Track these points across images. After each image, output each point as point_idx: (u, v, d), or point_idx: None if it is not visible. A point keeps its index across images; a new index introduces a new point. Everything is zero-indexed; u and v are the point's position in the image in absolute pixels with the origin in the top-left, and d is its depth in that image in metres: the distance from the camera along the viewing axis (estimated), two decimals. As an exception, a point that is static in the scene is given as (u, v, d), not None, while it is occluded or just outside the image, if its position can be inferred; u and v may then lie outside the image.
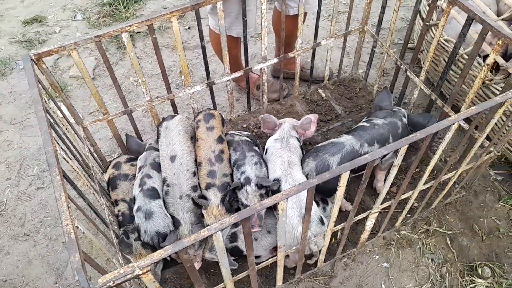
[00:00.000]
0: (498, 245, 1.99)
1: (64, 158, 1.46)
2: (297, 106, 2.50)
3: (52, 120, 1.51)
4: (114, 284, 1.05)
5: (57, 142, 1.45)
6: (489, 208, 2.12)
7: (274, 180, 1.74)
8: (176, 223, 1.72)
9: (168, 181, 1.79)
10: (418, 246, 2.00)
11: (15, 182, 2.36)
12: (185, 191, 1.76)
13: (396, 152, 1.35)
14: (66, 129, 1.74)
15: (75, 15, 3.31)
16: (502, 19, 2.13)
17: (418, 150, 1.49)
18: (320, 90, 2.57)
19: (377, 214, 1.72)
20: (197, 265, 1.72)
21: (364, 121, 1.99)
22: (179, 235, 1.69)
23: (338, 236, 1.99)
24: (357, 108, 2.47)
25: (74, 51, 1.69)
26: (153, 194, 1.77)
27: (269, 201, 1.18)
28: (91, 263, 1.20)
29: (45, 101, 1.51)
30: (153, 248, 1.72)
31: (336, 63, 2.68)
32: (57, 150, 1.36)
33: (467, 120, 2.03)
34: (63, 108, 2.10)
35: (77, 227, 1.23)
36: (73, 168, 1.54)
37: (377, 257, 1.98)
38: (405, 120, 1.96)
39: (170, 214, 1.74)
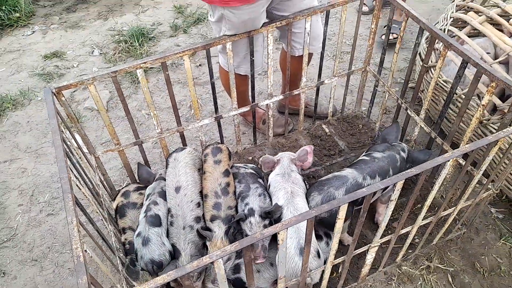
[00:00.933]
0: (500, 284, 1.99)
1: (77, 185, 1.54)
2: (302, 141, 2.58)
3: (67, 149, 1.61)
4: (118, 307, 1.10)
5: (71, 169, 1.54)
6: (491, 245, 2.13)
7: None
8: (176, 253, 1.77)
9: (172, 211, 1.84)
10: (419, 283, 2.00)
11: (26, 208, 2.44)
12: (188, 222, 1.81)
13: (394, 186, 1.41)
14: (80, 158, 1.83)
15: (93, 51, 3.49)
16: (498, 62, 2.23)
17: (413, 193, 1.54)
18: (324, 126, 2.66)
19: (377, 248, 1.75)
20: None
21: (364, 155, 2.06)
22: (178, 266, 1.73)
23: (339, 270, 2.01)
24: (360, 144, 2.54)
25: (92, 85, 1.80)
26: (154, 221, 1.82)
27: (269, 230, 1.24)
28: (97, 287, 1.24)
29: (62, 131, 1.61)
30: (156, 275, 1.75)
31: (340, 100, 2.78)
32: (71, 178, 1.44)
33: (466, 157, 2.09)
34: (77, 137, 2.20)
35: (85, 251, 1.29)
36: (85, 195, 1.62)
37: (378, 292, 1.98)
38: (404, 154, 2.02)
39: (172, 244, 1.79)
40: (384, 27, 3.44)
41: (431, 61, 2.31)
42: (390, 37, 3.24)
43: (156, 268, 1.72)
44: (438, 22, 2.58)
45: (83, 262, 1.18)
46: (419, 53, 2.49)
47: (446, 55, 1.89)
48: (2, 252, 2.25)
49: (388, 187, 1.95)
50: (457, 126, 1.93)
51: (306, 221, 1.30)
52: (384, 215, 1.56)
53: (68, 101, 3.07)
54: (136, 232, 1.82)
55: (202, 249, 1.81)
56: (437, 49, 2.37)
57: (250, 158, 2.52)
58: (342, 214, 1.34)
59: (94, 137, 2.82)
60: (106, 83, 3.18)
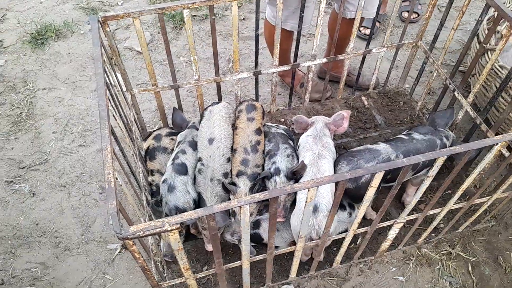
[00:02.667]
0: (521, 281, 1.94)
1: (113, 115, 1.55)
2: (337, 109, 2.51)
3: (108, 80, 1.61)
4: (143, 234, 1.11)
5: (108, 100, 1.54)
6: (518, 243, 2.07)
7: None
8: (202, 203, 1.78)
9: (203, 161, 1.84)
10: (437, 267, 1.97)
11: (60, 136, 2.50)
12: (217, 176, 1.81)
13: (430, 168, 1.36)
14: (118, 91, 1.83)
15: (139, -9, 3.46)
16: None
17: (452, 173, 1.48)
18: (363, 98, 2.58)
19: (401, 224, 1.71)
20: (210, 248, 1.77)
21: (403, 134, 1.99)
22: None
23: (358, 241, 2.00)
24: (398, 121, 2.46)
25: (137, 19, 1.78)
26: (181, 169, 1.83)
27: (300, 185, 1.22)
28: (123, 214, 1.27)
29: (104, 60, 1.60)
30: None
31: (383, 74, 2.67)
32: (108, 106, 1.44)
33: (509, 148, 1.99)
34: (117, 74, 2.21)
35: (116, 178, 1.31)
36: (119, 127, 1.63)
37: (394, 269, 1.97)
38: (446, 142, 1.93)
39: (198, 192, 1.80)
40: (404, 1, 3.26)
41: (490, 44, 2.17)
42: (362, 30, 3.09)
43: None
44: (505, 3, 2.40)
45: (114, 188, 1.19)
46: (477, 34, 2.34)
47: (509, 38, 1.76)
48: (34, 174, 2.33)
49: (422, 169, 1.89)
50: (507, 114, 1.82)
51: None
52: (413, 195, 1.51)
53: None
54: (163, 178, 1.84)
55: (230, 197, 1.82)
56: (498, 32, 2.22)
57: (283, 120, 2.48)
58: (376, 182, 1.31)
59: (131, 78, 2.82)
60: (147, 25, 3.16)
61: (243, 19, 3.23)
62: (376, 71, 2.47)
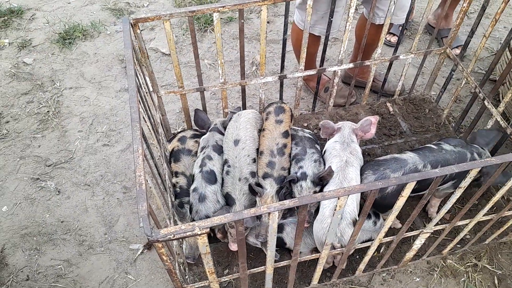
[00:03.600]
0: (550, 297, 1.89)
1: (143, 118, 1.56)
2: (362, 115, 2.49)
3: (138, 82, 1.62)
4: (174, 237, 1.12)
5: (139, 102, 1.56)
6: (547, 257, 2.01)
7: None
8: (231, 201, 1.79)
9: (229, 162, 1.86)
10: (462, 279, 1.93)
11: (85, 135, 2.54)
12: (244, 174, 1.81)
13: (455, 184, 1.33)
14: (146, 92, 1.85)
15: (165, -7, 3.49)
16: None
17: (485, 185, 1.45)
18: (388, 104, 2.55)
19: (428, 234, 1.68)
20: (235, 247, 1.77)
21: (432, 144, 1.95)
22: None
23: (381, 250, 1.97)
24: (423, 129, 2.42)
25: (168, 21, 1.80)
26: (211, 178, 1.85)
27: (331, 193, 1.21)
28: (153, 217, 1.28)
29: (135, 62, 1.62)
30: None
31: (409, 80, 2.64)
32: (139, 109, 1.46)
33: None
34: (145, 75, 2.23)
35: (146, 180, 1.32)
36: (148, 129, 1.65)
37: (418, 279, 1.93)
38: (477, 158, 1.87)
39: (227, 193, 1.81)
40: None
41: (522, 52, 2.12)
42: (388, 37, 3.00)
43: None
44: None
45: (145, 190, 1.20)
46: (510, 43, 2.29)
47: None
48: (59, 172, 2.37)
49: (447, 181, 1.85)
50: (541, 125, 1.78)
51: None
52: (436, 206, 1.49)
53: (134, 39, 3.10)
54: (192, 187, 1.85)
55: (255, 203, 1.82)
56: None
57: (306, 124, 2.47)
58: (407, 192, 1.29)
59: (156, 79, 2.85)
60: (172, 27, 3.18)
61: (268, 22, 3.23)
62: (402, 78, 2.44)
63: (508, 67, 1.94)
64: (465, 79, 2.20)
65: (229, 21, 3.25)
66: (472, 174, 1.31)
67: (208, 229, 1.14)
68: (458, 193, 1.42)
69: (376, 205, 1.81)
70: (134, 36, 1.81)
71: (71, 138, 2.53)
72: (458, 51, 2.66)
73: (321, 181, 1.77)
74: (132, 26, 1.75)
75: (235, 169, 1.82)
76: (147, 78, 1.99)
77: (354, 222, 1.66)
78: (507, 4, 1.87)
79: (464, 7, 2.10)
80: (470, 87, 2.18)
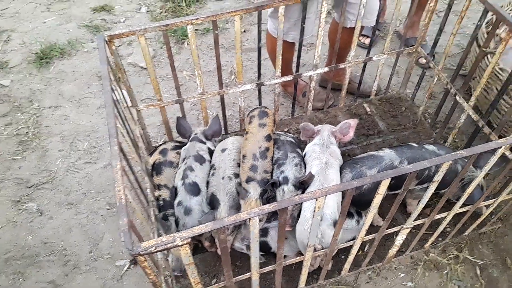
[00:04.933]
0: (531, 283, 1.94)
1: (121, 133, 1.57)
2: (340, 117, 2.53)
3: (115, 97, 1.64)
4: (155, 250, 1.13)
5: (116, 117, 1.57)
6: (526, 244, 2.07)
7: None
8: (216, 203, 1.81)
9: (215, 165, 1.93)
10: (445, 271, 1.98)
11: (66, 154, 2.53)
12: (228, 174, 1.88)
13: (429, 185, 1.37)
14: (124, 108, 1.86)
15: (140, 7, 3.51)
16: None
17: (457, 176, 1.49)
18: (365, 105, 2.60)
19: (408, 230, 1.72)
20: None
21: (415, 143, 1.98)
22: (216, 216, 1.77)
23: (365, 248, 2.01)
24: (400, 127, 2.48)
25: (142, 36, 1.81)
26: (194, 189, 1.87)
27: (308, 195, 1.23)
28: (134, 231, 1.28)
29: (111, 78, 1.63)
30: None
31: (384, 80, 2.70)
32: (117, 124, 1.47)
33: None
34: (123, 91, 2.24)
35: (126, 195, 1.33)
36: (127, 143, 1.66)
37: (402, 275, 1.97)
38: (459, 168, 1.85)
39: (212, 193, 1.85)
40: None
41: (489, 47, 2.19)
42: (361, 39, 3.06)
43: (198, 236, 1.76)
44: (502, 6, 2.43)
45: (125, 205, 1.21)
46: (477, 38, 2.37)
47: (509, 41, 1.78)
48: (41, 192, 2.35)
49: (426, 181, 1.88)
50: (510, 117, 1.84)
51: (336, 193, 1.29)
52: (415, 205, 1.53)
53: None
54: (177, 201, 1.87)
55: (239, 205, 1.84)
56: (497, 35, 2.24)
57: (286, 129, 2.50)
58: (382, 189, 1.32)
59: (135, 93, 2.84)
60: (150, 41, 3.20)
61: (244, 31, 3.27)
62: (377, 78, 2.49)
63: (476, 62, 2.01)
64: (437, 76, 2.27)
65: (206, 32, 3.28)
66: (444, 167, 1.36)
67: (190, 240, 1.16)
68: (432, 187, 1.46)
69: (356, 203, 1.85)
70: (110, 52, 1.82)
71: (52, 157, 2.51)
72: (424, 60, 2.73)
73: (302, 185, 1.80)
74: (107, 43, 1.77)
75: (219, 169, 1.89)
76: (125, 93, 2.00)
77: (335, 223, 1.69)
78: (471, 1, 1.94)
79: (431, 6, 2.17)
80: (442, 83, 2.24)
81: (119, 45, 3.19)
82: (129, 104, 2.04)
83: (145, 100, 2.83)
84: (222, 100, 2.27)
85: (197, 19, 1.82)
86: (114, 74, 1.82)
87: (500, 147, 1.35)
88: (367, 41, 3.05)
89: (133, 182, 1.77)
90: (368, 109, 2.57)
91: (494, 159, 1.43)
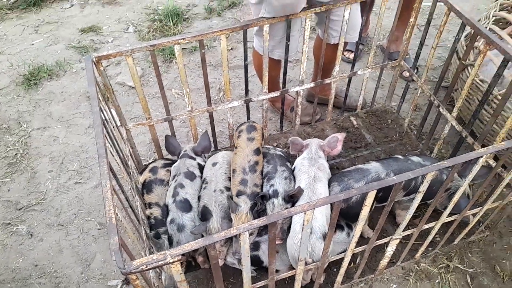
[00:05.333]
0: (520, 289, 1.97)
1: (110, 152, 1.58)
2: (328, 131, 2.57)
3: (103, 117, 1.65)
4: (146, 268, 1.14)
5: (105, 137, 1.58)
6: (514, 251, 2.10)
7: None
8: (207, 214, 1.82)
9: (207, 179, 1.96)
10: (437, 281, 1.99)
11: (56, 175, 2.52)
12: (219, 187, 1.90)
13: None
14: (113, 127, 1.88)
15: (128, 27, 3.55)
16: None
17: (442, 186, 1.53)
18: (352, 118, 2.65)
19: (398, 241, 1.74)
20: (220, 262, 1.79)
21: (401, 155, 2.02)
22: (209, 227, 1.77)
23: (357, 261, 2.02)
24: (387, 139, 2.52)
25: (130, 57, 1.84)
26: (185, 206, 1.87)
27: (296, 209, 1.25)
28: (125, 249, 1.29)
29: (99, 99, 1.65)
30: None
31: (370, 94, 2.75)
32: (106, 144, 1.48)
33: (496, 159, 2.05)
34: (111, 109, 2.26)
35: (116, 214, 1.33)
36: (117, 163, 1.67)
37: (395, 286, 1.98)
38: (444, 177, 1.89)
39: (203, 206, 1.86)
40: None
41: (469, 60, 2.26)
42: (346, 54, 3.12)
43: (193, 252, 1.77)
44: (479, 20, 2.52)
45: (115, 224, 1.22)
46: (457, 51, 2.44)
47: (486, 54, 1.85)
48: (31, 214, 2.34)
49: (410, 193, 1.92)
50: (491, 126, 1.89)
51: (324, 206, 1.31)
52: (404, 216, 1.56)
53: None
54: (169, 219, 1.87)
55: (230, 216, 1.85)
56: (476, 48, 2.32)
57: (275, 144, 2.53)
58: (369, 201, 1.35)
59: (124, 112, 2.86)
60: (138, 60, 3.23)
61: (231, 49, 3.33)
62: (362, 92, 2.55)
63: (457, 74, 2.07)
64: (420, 89, 2.32)
65: (194, 50, 3.32)
66: (429, 178, 1.39)
67: (181, 257, 1.16)
68: (418, 198, 1.49)
69: (345, 216, 1.87)
70: (98, 73, 1.85)
71: (42, 179, 2.50)
72: (408, 73, 2.80)
73: (292, 198, 1.82)
74: (95, 64, 1.79)
75: (211, 183, 1.91)
76: (114, 113, 2.01)
77: (325, 236, 1.71)
78: (449, 16, 2.00)
79: (411, 22, 2.24)
80: (426, 95, 2.29)
81: (108, 65, 3.21)
82: (118, 123, 2.05)
83: (134, 118, 2.85)
84: (211, 117, 2.30)
85: (183, 39, 1.86)
86: (102, 95, 1.84)
87: (481, 157, 1.39)
88: (351, 56, 3.12)
89: (123, 201, 1.78)
90: (355, 123, 2.62)
91: (477, 168, 1.47)
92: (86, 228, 2.27)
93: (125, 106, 2.91)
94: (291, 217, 1.80)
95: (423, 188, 1.43)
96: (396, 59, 2.46)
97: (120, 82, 3.07)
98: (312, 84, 2.36)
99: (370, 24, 3.35)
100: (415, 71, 2.52)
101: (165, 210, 1.94)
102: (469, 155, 1.36)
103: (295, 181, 1.92)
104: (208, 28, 3.51)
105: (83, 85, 3.06)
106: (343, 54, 2.20)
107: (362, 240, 2.06)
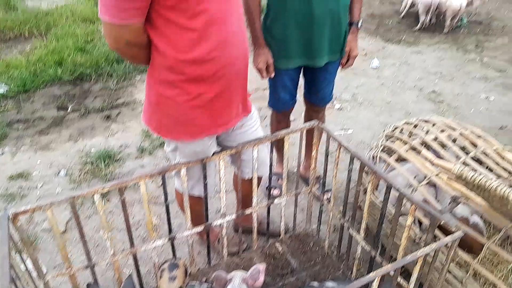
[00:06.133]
0: None
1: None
2: (256, 260, 2.65)
3: (14, 275, 1.64)
4: None
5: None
6: None
7: None
8: None
9: None
10: None
11: None
12: None
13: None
14: (27, 283, 1.84)
15: (59, 172, 3.64)
16: (428, 185, 2.51)
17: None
18: (277, 244, 2.77)
19: None
20: None
21: (316, 281, 2.13)
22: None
23: None
24: (311, 263, 2.64)
25: (49, 210, 1.91)
26: None
27: None
28: None
29: (11, 256, 1.66)
30: None
31: (291, 218, 2.94)
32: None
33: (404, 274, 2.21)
34: (28, 261, 2.22)
35: None
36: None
37: None
38: None
39: None
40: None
41: (363, 185, 2.57)
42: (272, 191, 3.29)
43: None
44: (371, 149, 2.93)
45: None
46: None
47: (374, 182, 2.14)
48: None
49: None
50: (391, 245, 2.10)
51: None
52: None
53: (27, 221, 3.10)
54: None
55: None
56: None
57: (205, 279, 2.54)
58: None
59: (49, 259, 2.80)
60: (65, 205, 3.25)
61: (161, 185, 3.47)
62: (282, 219, 2.73)
63: (356, 200, 2.34)
64: (331, 213, 2.55)
65: (124, 188, 3.43)
66: (330, 305, 1.49)
67: None
68: (327, 326, 1.57)
69: None
70: (15, 228, 1.87)
71: None
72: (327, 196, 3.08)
73: None
74: (12, 221, 1.83)
75: None
76: (30, 266, 1.99)
77: None
78: (340, 151, 2.34)
79: (313, 155, 2.57)
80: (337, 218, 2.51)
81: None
82: (35, 276, 2.01)
83: (60, 264, 2.77)
84: (134, 258, 2.32)
85: (103, 188, 1.99)
86: (17, 249, 1.84)
87: (374, 280, 1.54)
88: (275, 191, 3.33)
89: None
90: (280, 249, 2.74)
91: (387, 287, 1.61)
92: None
93: (50, 253, 2.85)
94: None
95: (328, 315, 1.52)
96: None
97: (47, 228, 3.04)
98: (233, 216, 2.51)
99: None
100: (329, 195, 2.78)
101: None
102: (360, 281, 1.50)
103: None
104: (139, 167, 3.69)
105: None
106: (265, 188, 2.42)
107: None
